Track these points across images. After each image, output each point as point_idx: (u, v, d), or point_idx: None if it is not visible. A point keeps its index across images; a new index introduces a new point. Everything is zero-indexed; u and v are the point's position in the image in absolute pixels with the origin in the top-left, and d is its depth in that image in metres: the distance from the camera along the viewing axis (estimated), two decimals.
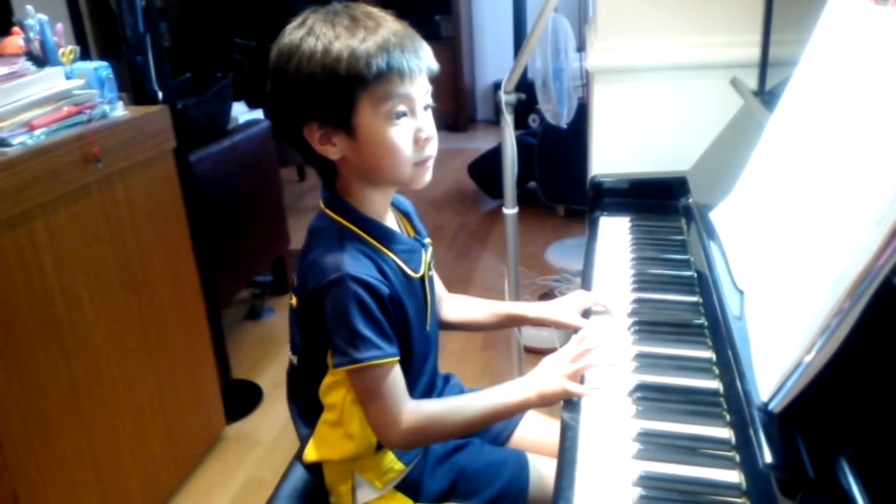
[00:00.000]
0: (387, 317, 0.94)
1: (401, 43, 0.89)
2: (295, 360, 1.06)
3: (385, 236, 0.99)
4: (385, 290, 0.94)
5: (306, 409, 1.06)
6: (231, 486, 1.99)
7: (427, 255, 1.06)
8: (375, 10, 0.93)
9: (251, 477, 2.03)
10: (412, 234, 1.09)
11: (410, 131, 0.93)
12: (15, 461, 1.39)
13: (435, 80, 0.95)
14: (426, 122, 0.95)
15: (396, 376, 0.96)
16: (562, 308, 1.15)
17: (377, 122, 0.91)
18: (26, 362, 1.41)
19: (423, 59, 0.92)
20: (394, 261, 0.98)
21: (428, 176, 0.98)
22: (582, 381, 0.94)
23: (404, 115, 0.92)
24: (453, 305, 1.22)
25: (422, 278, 1.03)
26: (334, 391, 1.01)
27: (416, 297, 1.02)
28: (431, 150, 0.96)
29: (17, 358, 1.39)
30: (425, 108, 0.95)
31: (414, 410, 0.97)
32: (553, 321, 1.15)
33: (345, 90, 0.89)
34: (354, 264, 0.92)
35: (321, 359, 1.00)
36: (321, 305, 0.93)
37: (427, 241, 1.09)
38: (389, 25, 0.90)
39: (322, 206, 1.00)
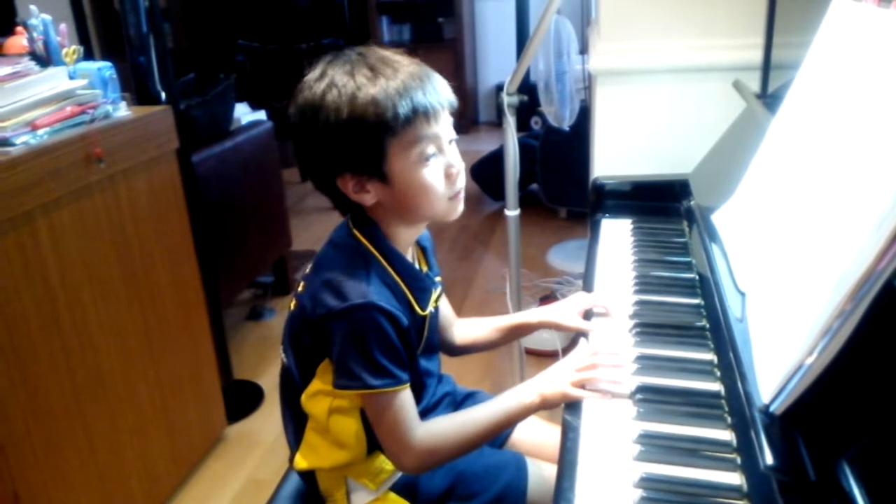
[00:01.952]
0: (404, 345, 0.95)
1: (421, 84, 0.91)
2: (286, 360, 1.06)
3: (406, 272, 1.00)
4: (405, 320, 0.95)
5: (294, 415, 1.06)
6: (231, 486, 1.99)
7: (436, 294, 1.07)
8: (390, 55, 0.94)
9: (252, 477, 2.03)
10: (425, 268, 1.09)
11: (441, 169, 0.94)
12: (16, 461, 1.39)
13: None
14: (454, 157, 0.96)
15: (408, 400, 0.96)
16: (563, 311, 1.14)
17: (409, 166, 0.92)
18: (28, 362, 1.42)
19: (443, 96, 0.93)
20: (408, 298, 0.99)
21: (461, 206, 1.00)
22: (580, 404, 0.92)
23: (434, 154, 0.93)
24: (461, 329, 1.24)
25: (424, 316, 1.03)
26: (317, 401, 1.01)
27: (419, 333, 1.03)
28: (462, 181, 0.98)
29: (19, 358, 1.39)
30: (450, 142, 0.96)
31: (425, 434, 0.97)
32: (555, 324, 1.15)
33: (374, 140, 0.90)
34: (379, 294, 0.93)
35: (310, 368, 1.00)
36: (332, 325, 0.93)
37: (438, 279, 1.10)
38: (406, 69, 0.91)
39: (350, 223, 1.00)
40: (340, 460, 1.03)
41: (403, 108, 0.88)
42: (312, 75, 0.93)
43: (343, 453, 1.02)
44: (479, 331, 1.24)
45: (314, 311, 0.95)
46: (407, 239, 1.02)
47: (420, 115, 0.90)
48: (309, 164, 0.97)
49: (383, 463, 1.04)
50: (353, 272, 0.94)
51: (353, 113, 0.88)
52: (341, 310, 0.92)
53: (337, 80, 0.90)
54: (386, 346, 0.93)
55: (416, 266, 1.05)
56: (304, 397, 1.02)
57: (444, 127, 0.94)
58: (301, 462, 1.06)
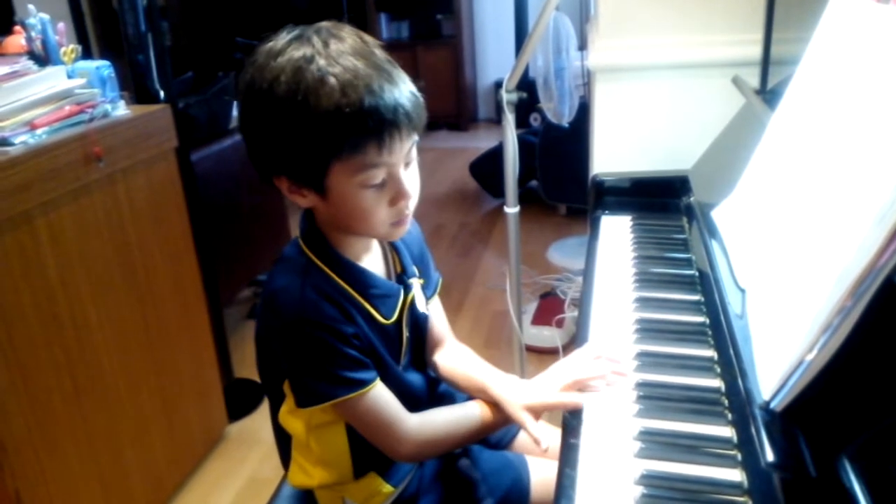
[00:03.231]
0: (353, 349, 0.91)
1: (389, 114, 0.80)
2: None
3: (357, 281, 0.93)
4: (348, 328, 0.90)
5: (278, 430, 1.05)
6: (233, 485, 2.00)
7: (406, 299, 1.00)
8: (360, 62, 0.81)
9: (253, 476, 2.03)
10: (398, 269, 1.03)
11: (387, 196, 0.87)
12: (17, 461, 1.39)
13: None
14: (408, 181, 0.88)
15: (383, 397, 0.94)
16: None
17: (350, 188, 0.85)
18: (28, 361, 1.42)
19: (406, 126, 0.83)
20: (363, 305, 0.93)
21: (404, 231, 0.93)
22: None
23: (382, 182, 0.85)
24: (447, 358, 1.11)
25: (396, 323, 0.98)
26: (293, 420, 0.99)
27: (388, 341, 0.98)
28: (410, 207, 0.90)
29: (19, 357, 1.39)
30: (407, 164, 0.88)
31: (419, 426, 0.96)
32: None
33: (317, 157, 0.82)
34: (314, 307, 0.88)
35: (277, 387, 0.99)
36: (275, 345, 0.92)
37: (412, 280, 1.03)
38: (376, 82, 0.80)
39: (299, 234, 0.97)
40: (327, 479, 1.01)
41: (355, 135, 0.80)
42: (272, 48, 0.83)
43: (329, 472, 1.00)
44: (455, 370, 1.09)
45: (260, 329, 0.94)
46: (359, 245, 0.97)
47: (373, 142, 0.81)
48: (250, 149, 0.89)
49: (380, 486, 1.02)
50: (287, 287, 0.90)
51: (299, 121, 0.80)
52: (279, 329, 0.89)
53: (291, 72, 0.80)
54: (335, 357, 0.89)
55: (381, 271, 1.00)
56: (280, 416, 1.01)
57: (400, 153, 0.84)
58: (294, 478, 1.05)
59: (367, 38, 0.87)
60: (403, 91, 0.83)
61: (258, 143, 0.87)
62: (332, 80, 0.79)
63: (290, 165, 0.86)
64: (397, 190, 0.87)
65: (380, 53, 0.85)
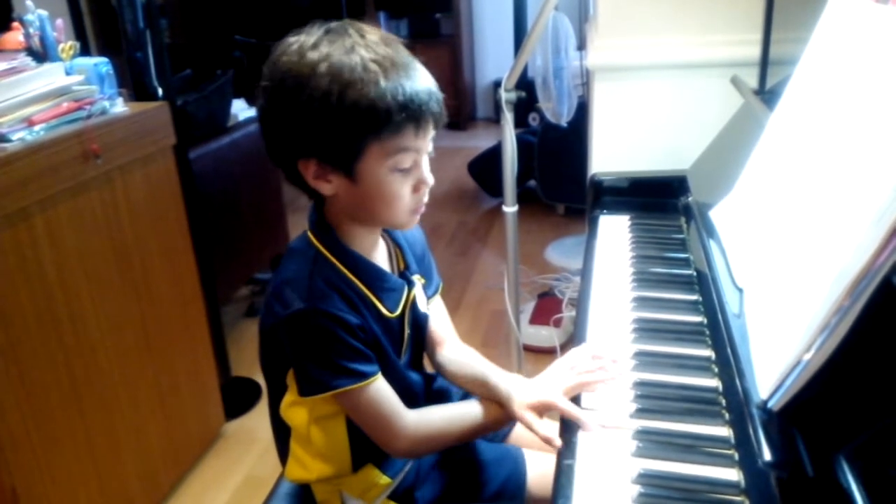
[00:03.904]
0: (358, 340, 0.92)
1: (426, 100, 0.86)
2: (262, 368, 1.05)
3: (364, 273, 0.95)
4: (354, 319, 0.91)
5: (277, 425, 1.05)
6: (230, 483, 1.99)
7: (410, 294, 1.02)
8: (393, 52, 0.86)
9: (250, 475, 2.03)
10: (402, 266, 1.05)
11: (411, 182, 0.91)
12: (14, 458, 1.39)
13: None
14: (427, 171, 0.93)
15: (384, 391, 0.95)
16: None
17: (382, 172, 0.88)
18: (26, 359, 1.41)
19: (438, 114, 0.89)
20: (369, 298, 0.95)
21: (417, 219, 0.97)
22: (578, 399, 0.91)
23: (410, 167, 0.90)
24: (451, 356, 1.12)
25: (400, 317, 1.00)
26: (295, 411, 0.99)
27: (392, 335, 0.99)
28: (426, 195, 0.95)
29: (16, 354, 1.39)
30: (426, 154, 0.93)
31: (416, 422, 0.97)
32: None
33: (355, 138, 0.85)
34: (320, 296, 0.90)
35: (280, 379, 0.99)
36: (281, 334, 0.92)
37: (415, 277, 1.05)
38: (409, 72, 0.86)
39: (308, 227, 0.98)
40: (326, 473, 1.01)
41: (398, 116, 0.84)
42: (305, 41, 0.86)
43: (328, 466, 1.01)
44: (462, 370, 1.09)
45: (266, 319, 0.94)
46: (368, 238, 0.99)
47: (411, 126, 0.86)
48: (273, 138, 0.91)
49: (377, 478, 1.03)
50: (296, 277, 0.91)
51: (342, 104, 0.83)
52: (286, 317, 0.90)
53: (334, 61, 0.83)
54: (340, 348, 0.90)
55: (386, 266, 1.02)
56: (282, 408, 1.01)
57: (426, 141, 0.90)
58: (291, 472, 1.05)
59: (387, 34, 0.91)
60: (432, 81, 0.90)
61: (287, 128, 0.88)
62: (374, 66, 0.84)
63: (323, 148, 0.87)
64: (421, 176, 0.92)
65: (402, 47, 0.90)
